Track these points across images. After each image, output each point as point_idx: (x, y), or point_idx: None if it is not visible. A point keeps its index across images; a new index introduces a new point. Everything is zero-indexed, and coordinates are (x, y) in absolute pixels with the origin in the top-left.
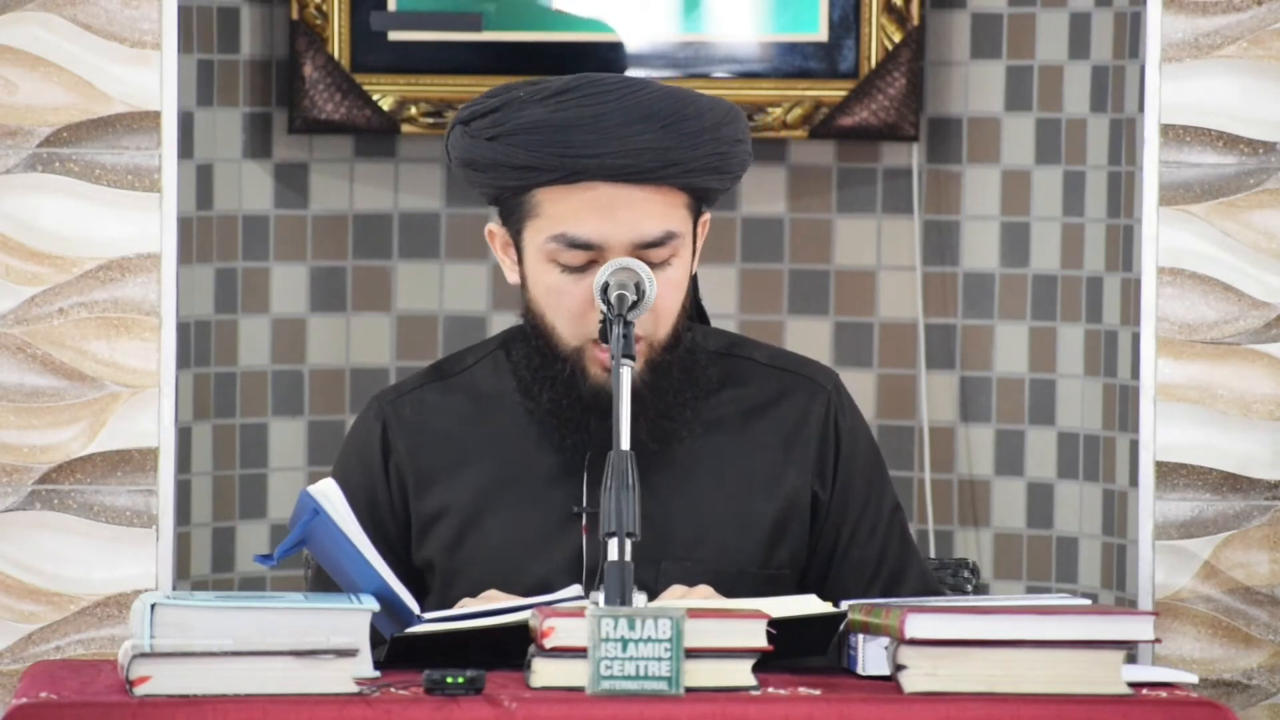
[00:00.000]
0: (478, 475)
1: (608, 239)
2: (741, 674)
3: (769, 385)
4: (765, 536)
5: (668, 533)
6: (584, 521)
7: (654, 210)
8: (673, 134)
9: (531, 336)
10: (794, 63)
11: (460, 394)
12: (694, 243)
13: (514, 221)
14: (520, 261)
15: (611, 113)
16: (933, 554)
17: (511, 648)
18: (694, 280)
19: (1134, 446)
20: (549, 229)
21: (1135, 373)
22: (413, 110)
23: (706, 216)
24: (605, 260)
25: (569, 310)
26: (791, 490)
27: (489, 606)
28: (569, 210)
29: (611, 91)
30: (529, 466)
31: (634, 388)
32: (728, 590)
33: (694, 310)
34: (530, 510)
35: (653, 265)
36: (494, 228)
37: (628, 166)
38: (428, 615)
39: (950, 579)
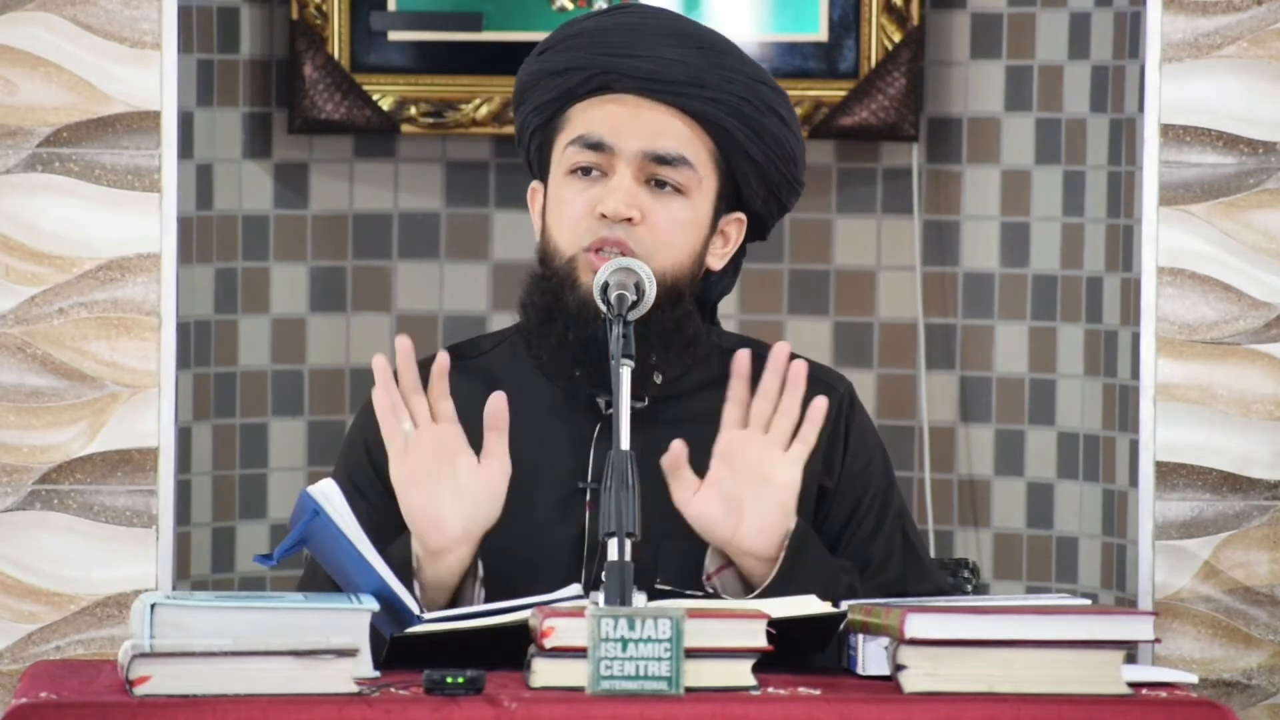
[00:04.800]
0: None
1: (620, 142)
2: (741, 674)
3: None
4: None
5: (670, 516)
6: (588, 498)
7: (674, 130)
8: (707, 57)
9: (538, 272)
10: (794, 63)
11: (474, 377)
12: (715, 209)
13: (547, 154)
14: (546, 195)
15: (652, 25)
16: (933, 554)
17: (511, 648)
18: (724, 282)
19: (1134, 446)
20: (570, 135)
21: (1135, 373)
22: (413, 110)
23: (740, 216)
24: (614, 172)
25: (570, 217)
26: None
27: (489, 606)
28: (593, 116)
29: (659, 14)
30: (540, 443)
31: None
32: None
33: (708, 311)
34: (536, 487)
35: (661, 187)
36: (535, 183)
37: (655, 73)
38: (428, 615)
39: (950, 579)
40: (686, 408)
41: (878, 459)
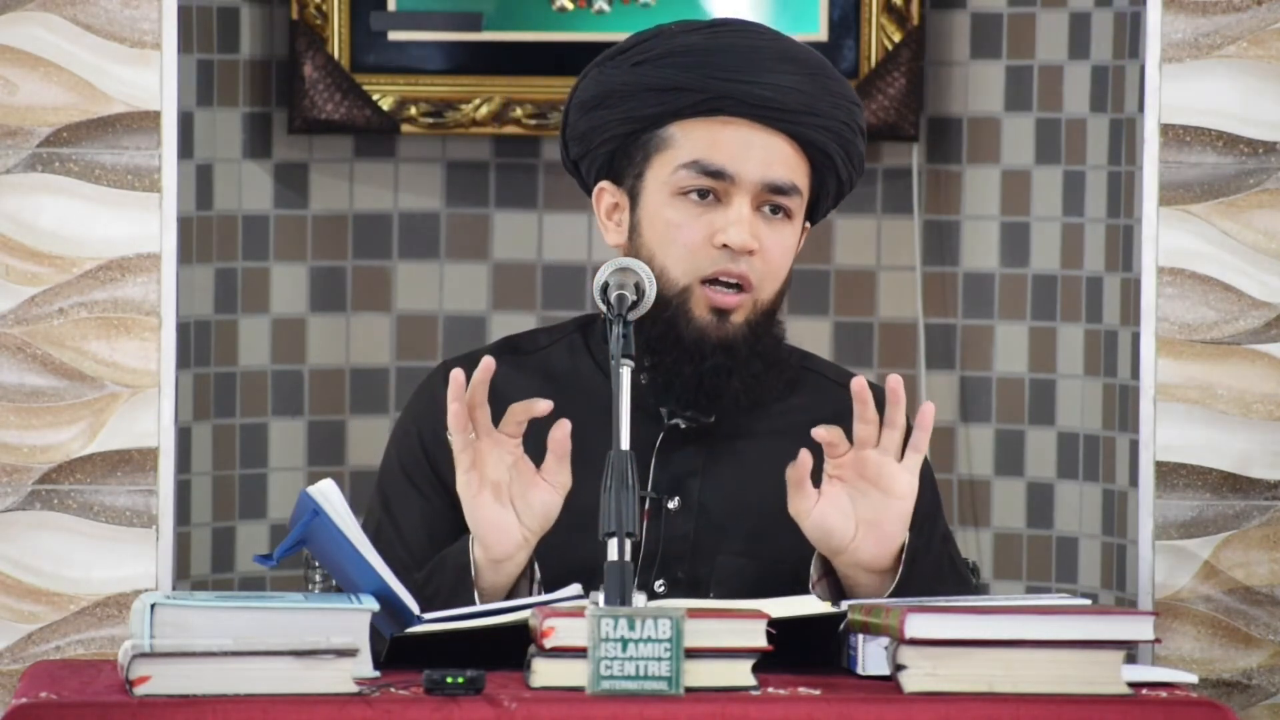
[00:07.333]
0: (540, 450)
1: (741, 171)
2: (741, 674)
3: (839, 402)
4: None
5: (726, 528)
6: (646, 507)
7: (787, 159)
8: (818, 83)
9: None
10: None
11: (533, 373)
12: (802, 225)
13: (635, 165)
14: (634, 208)
15: (765, 48)
16: None
17: (511, 648)
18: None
19: (1134, 446)
20: (681, 158)
21: (1135, 373)
22: (412, 110)
23: (806, 225)
24: (730, 200)
25: (685, 244)
26: None
27: (489, 606)
28: (705, 140)
29: (764, 32)
30: (597, 447)
31: (733, 341)
32: (777, 589)
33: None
34: (590, 489)
35: (775, 214)
36: (605, 184)
37: (772, 101)
38: (428, 615)
39: None
40: (747, 423)
41: (926, 482)
